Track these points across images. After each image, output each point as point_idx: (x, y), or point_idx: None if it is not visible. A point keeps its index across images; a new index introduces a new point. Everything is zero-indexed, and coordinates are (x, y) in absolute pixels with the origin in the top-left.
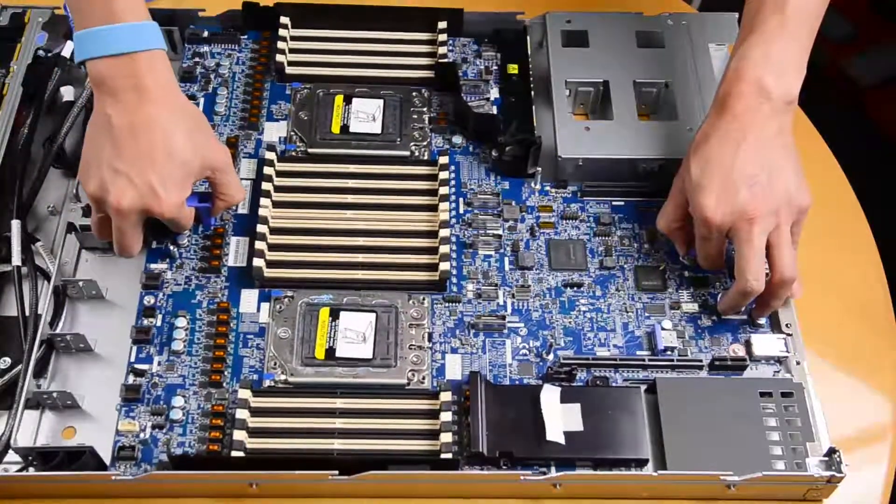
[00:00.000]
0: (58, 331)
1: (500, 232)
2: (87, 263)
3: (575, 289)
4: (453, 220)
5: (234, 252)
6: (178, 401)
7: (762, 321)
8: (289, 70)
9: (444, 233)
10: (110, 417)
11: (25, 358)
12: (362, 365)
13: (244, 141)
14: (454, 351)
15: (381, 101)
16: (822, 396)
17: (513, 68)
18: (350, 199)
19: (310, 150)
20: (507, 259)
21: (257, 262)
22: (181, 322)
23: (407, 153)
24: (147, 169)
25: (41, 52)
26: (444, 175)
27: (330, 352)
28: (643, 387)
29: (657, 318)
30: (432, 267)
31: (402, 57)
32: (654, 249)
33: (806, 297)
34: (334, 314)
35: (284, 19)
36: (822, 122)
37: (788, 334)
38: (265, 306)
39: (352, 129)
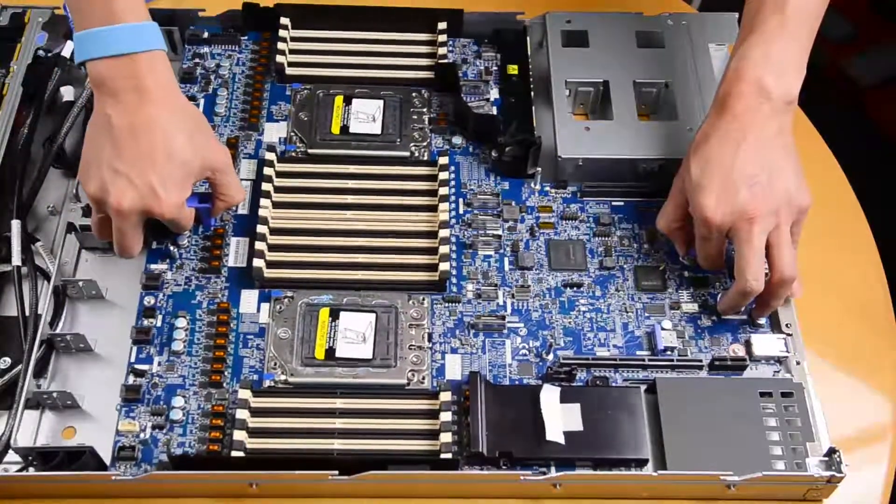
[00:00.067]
0: (58, 331)
1: (499, 232)
2: (87, 263)
3: (575, 289)
4: (453, 221)
5: (234, 252)
6: (178, 401)
7: (762, 321)
8: (289, 71)
9: (443, 233)
10: (110, 417)
11: (25, 358)
12: (362, 365)
13: (244, 142)
14: (454, 351)
15: (380, 102)
16: (822, 396)
17: (513, 69)
18: (350, 199)
19: (310, 151)
20: (506, 259)
21: (257, 262)
22: (181, 322)
23: (407, 154)
24: (147, 169)
25: (41, 52)
26: (443, 175)
27: (330, 352)
28: (643, 387)
29: (657, 318)
30: (432, 267)
31: (401, 58)
32: (653, 249)
33: (806, 297)
34: (334, 314)
35: (284, 20)
36: (822, 122)
37: (788, 334)
38: (265, 307)
39: (352, 130)
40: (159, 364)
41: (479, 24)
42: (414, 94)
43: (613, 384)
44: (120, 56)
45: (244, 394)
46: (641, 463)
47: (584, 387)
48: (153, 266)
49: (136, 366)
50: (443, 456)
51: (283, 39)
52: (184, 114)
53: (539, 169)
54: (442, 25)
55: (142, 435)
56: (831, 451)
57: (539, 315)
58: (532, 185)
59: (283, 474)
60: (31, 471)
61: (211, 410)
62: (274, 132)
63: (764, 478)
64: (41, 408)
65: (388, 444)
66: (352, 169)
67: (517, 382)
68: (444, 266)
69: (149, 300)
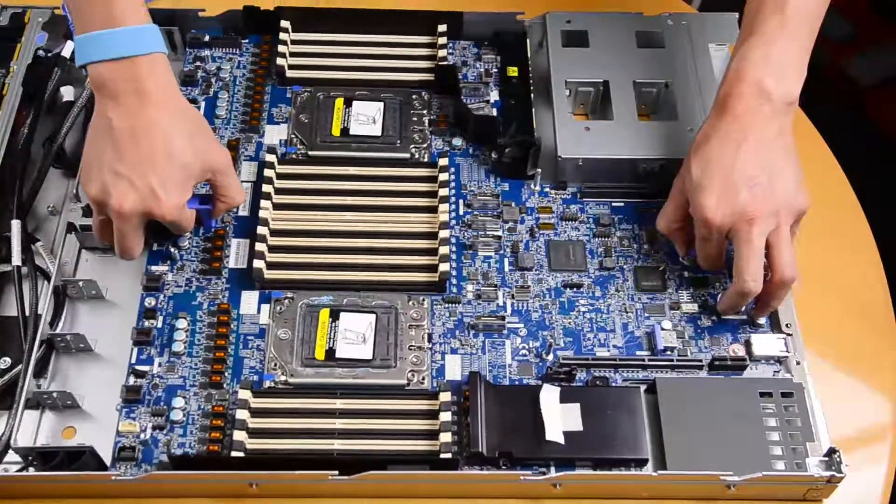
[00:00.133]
0: (58, 331)
1: (499, 233)
2: (87, 263)
3: (574, 289)
4: (453, 222)
5: (235, 254)
6: (178, 402)
7: (762, 321)
8: (289, 73)
9: (443, 234)
10: (110, 417)
11: (25, 358)
12: (362, 366)
13: (245, 144)
14: (454, 351)
15: (381, 104)
16: (822, 396)
17: (512, 71)
18: (350, 200)
19: (310, 153)
20: (506, 260)
21: (258, 263)
22: (182, 323)
23: (407, 155)
24: (148, 172)
25: (41, 52)
26: (443, 177)
27: (330, 353)
28: (643, 387)
29: (657, 318)
30: (432, 268)
31: (402, 60)
32: (653, 250)
33: (806, 297)
34: (334, 315)
35: (285, 23)
36: (822, 122)
37: (788, 334)
38: (265, 308)
39: (352, 132)
40: (160, 365)
41: (479, 26)
42: (414, 97)
43: (613, 384)
44: (120, 59)
45: (244, 394)
46: (641, 463)
47: (584, 387)
48: (154, 267)
49: (137, 367)
50: (442, 456)
51: (284, 42)
52: (184, 116)
53: (539, 170)
54: (442, 28)
55: (142, 435)
56: (831, 451)
57: (539, 315)
58: (532, 186)
59: (283, 474)
60: (31, 471)
61: (211, 411)
62: (274, 134)
63: (764, 478)
64: (41, 408)
65: (387, 445)
66: (352, 171)
67: (517, 383)
68: (443, 267)
69: (149, 301)
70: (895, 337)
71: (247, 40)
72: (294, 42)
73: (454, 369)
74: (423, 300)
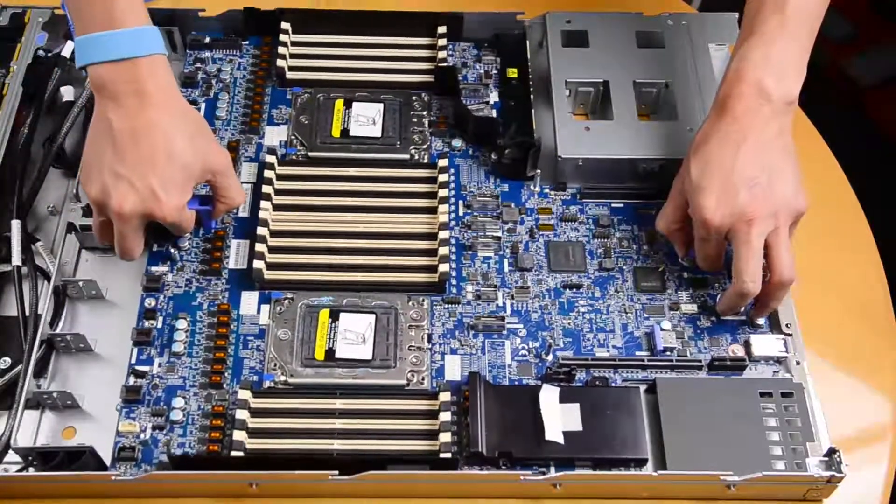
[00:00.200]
0: (58, 331)
1: (499, 234)
2: (87, 263)
3: (574, 290)
4: (453, 223)
5: (235, 255)
6: (178, 402)
7: (761, 321)
8: (289, 75)
9: (443, 235)
10: (110, 417)
11: (25, 358)
12: (362, 366)
13: (245, 145)
14: (453, 352)
15: (381, 105)
16: (822, 396)
17: (512, 72)
18: (350, 201)
19: (310, 154)
20: (506, 261)
21: (257, 264)
22: (182, 324)
23: (407, 156)
24: (148, 173)
25: (41, 52)
26: (443, 178)
27: (329, 353)
28: (643, 387)
29: (656, 318)
30: (432, 269)
31: (402, 61)
32: (653, 251)
33: (806, 297)
34: (334, 315)
35: (285, 25)
36: (822, 122)
37: (788, 334)
38: (265, 308)
39: (352, 133)
40: (160, 365)
41: (479, 28)
42: (414, 98)
43: (613, 384)
44: (121, 60)
45: (244, 394)
46: (640, 463)
47: (584, 387)
48: (154, 268)
49: (137, 367)
50: (442, 456)
51: (284, 44)
52: (184, 117)
53: (538, 171)
54: (442, 30)
55: (142, 436)
56: (831, 451)
57: (538, 316)
58: (531, 187)
59: (283, 474)
60: (31, 471)
61: (211, 411)
62: (275, 136)
63: (764, 478)
64: (41, 408)
65: (387, 445)
66: (352, 171)
67: (517, 383)
68: (443, 267)
69: (149, 302)
70: (895, 337)
71: (247, 42)
72: (294, 44)
73: (454, 370)
74: (423, 301)
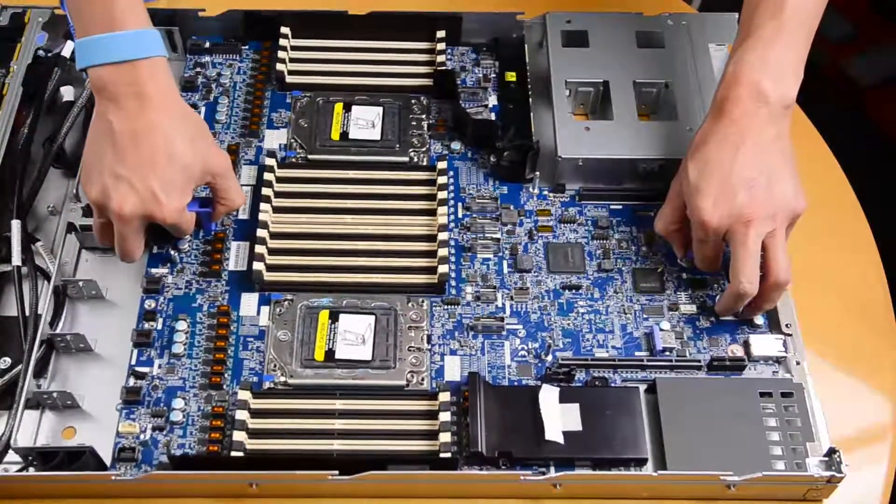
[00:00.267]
0: (58, 331)
1: (498, 235)
2: (87, 263)
3: (573, 291)
4: (452, 224)
5: (235, 256)
6: (178, 403)
7: (760, 321)
8: (289, 79)
9: (442, 236)
10: (110, 417)
11: (25, 358)
12: (361, 367)
13: (245, 148)
14: (453, 353)
15: (380, 109)
16: (822, 396)
17: (511, 76)
18: (349, 204)
19: (310, 157)
20: (505, 262)
21: (257, 265)
22: (182, 325)
23: (406, 159)
24: (149, 175)
25: (41, 52)
26: (442, 180)
27: (329, 354)
28: (642, 387)
29: (655, 319)
30: (431, 270)
31: (401, 65)
32: (651, 252)
33: (806, 297)
34: (334, 316)
35: (285, 29)
36: (822, 122)
37: (788, 334)
38: (265, 309)
39: (351, 136)
40: (160, 367)
41: (479, 31)
42: (413, 101)
43: (612, 384)
44: (121, 63)
45: (244, 395)
46: (640, 462)
47: (583, 387)
48: (154, 270)
49: (137, 368)
50: (442, 456)
51: (284, 48)
52: (184, 119)
53: (537, 173)
54: (441, 34)
55: (142, 436)
56: (831, 451)
57: (538, 317)
58: (530, 189)
59: (283, 474)
60: (31, 471)
61: (211, 412)
62: (274, 139)
63: (764, 478)
64: (41, 408)
65: (387, 445)
66: (351, 174)
67: (516, 383)
68: (443, 269)
69: (149, 303)
70: (895, 337)
71: (247, 46)
72: (294, 48)
73: (453, 370)
74: (423, 302)
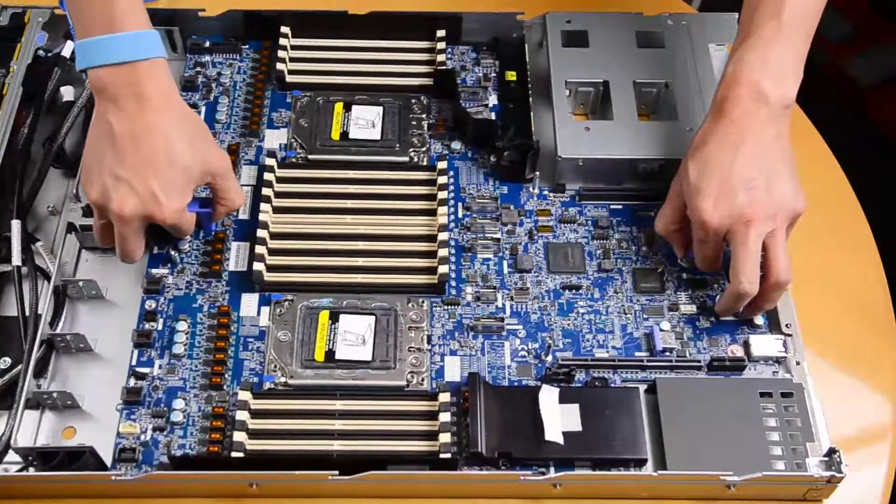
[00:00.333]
0: (58, 331)
1: (498, 236)
2: (87, 263)
3: (573, 291)
4: (452, 224)
5: (235, 257)
6: (178, 403)
7: (760, 321)
8: (289, 79)
9: (442, 236)
10: (110, 417)
11: (25, 358)
12: (362, 367)
13: (245, 148)
14: (453, 353)
15: (380, 108)
16: (822, 396)
17: (511, 75)
18: (349, 204)
19: (310, 157)
20: (505, 262)
21: (258, 266)
22: (182, 326)
23: (406, 159)
24: (149, 175)
25: (41, 52)
26: (442, 180)
27: (329, 354)
28: (642, 387)
29: (655, 319)
30: (431, 270)
31: (401, 65)
32: (652, 252)
33: (806, 297)
34: (334, 317)
35: (285, 29)
36: (822, 122)
37: (788, 334)
38: (265, 310)
39: (351, 136)
40: (160, 367)
41: (479, 31)
42: (413, 101)
43: (612, 385)
44: (121, 64)
45: (244, 396)
46: (640, 463)
47: (583, 387)
48: (154, 270)
49: (138, 369)
50: (442, 456)
51: (284, 48)
52: (184, 120)
53: (537, 173)
54: (441, 33)
55: (142, 437)
56: (831, 452)
57: (538, 317)
58: (530, 189)
59: (283, 474)
60: (31, 471)
61: (211, 412)
62: (274, 139)
63: (764, 478)
64: (41, 408)
65: (387, 446)
66: (351, 174)
67: (516, 384)
68: (443, 269)
69: (150, 304)
70: (895, 337)
71: (247, 46)
72: (294, 47)
73: (453, 370)
74: (423, 302)
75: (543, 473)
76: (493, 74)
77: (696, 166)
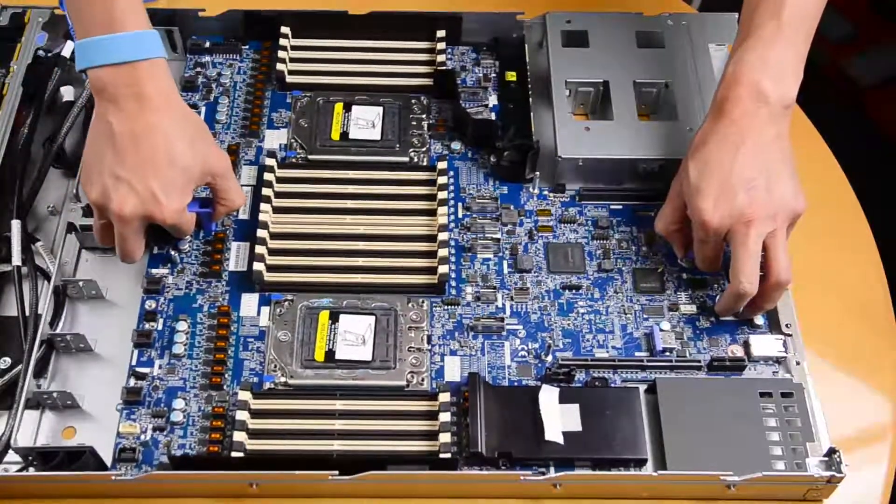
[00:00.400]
0: (58, 331)
1: (498, 236)
2: (87, 263)
3: (573, 291)
4: (452, 225)
5: (235, 257)
6: (178, 403)
7: (760, 321)
8: (289, 79)
9: (442, 236)
10: (110, 417)
11: (25, 358)
12: (362, 367)
13: (245, 148)
14: (453, 353)
15: (380, 109)
16: (822, 396)
17: (511, 76)
18: (350, 204)
19: (310, 157)
20: (505, 262)
21: (258, 266)
22: (182, 326)
23: (406, 159)
24: (149, 175)
25: (41, 52)
26: (442, 180)
27: (329, 354)
28: (642, 387)
29: (655, 319)
30: (431, 270)
31: (401, 65)
32: (652, 252)
33: (806, 297)
34: (334, 317)
35: (285, 29)
36: (822, 122)
37: (788, 334)
38: (265, 310)
39: (351, 136)
40: (160, 367)
41: (479, 31)
42: (413, 101)
43: (612, 385)
44: (121, 64)
45: (244, 395)
46: (640, 463)
47: (583, 387)
48: (154, 270)
49: (138, 369)
50: (442, 456)
51: (284, 48)
52: (184, 120)
53: (537, 173)
54: (441, 33)
55: (142, 437)
56: (831, 452)
57: (538, 317)
58: (530, 189)
59: (283, 474)
60: (31, 471)
61: (211, 412)
62: (274, 139)
63: (764, 478)
64: (41, 408)
65: (387, 445)
66: (351, 174)
67: (516, 384)
68: (443, 269)
69: (150, 304)
70: (895, 337)
71: (247, 46)
72: (294, 48)
73: (453, 370)
74: (423, 302)
75: (543, 473)
76: (493, 74)
77: (697, 166)
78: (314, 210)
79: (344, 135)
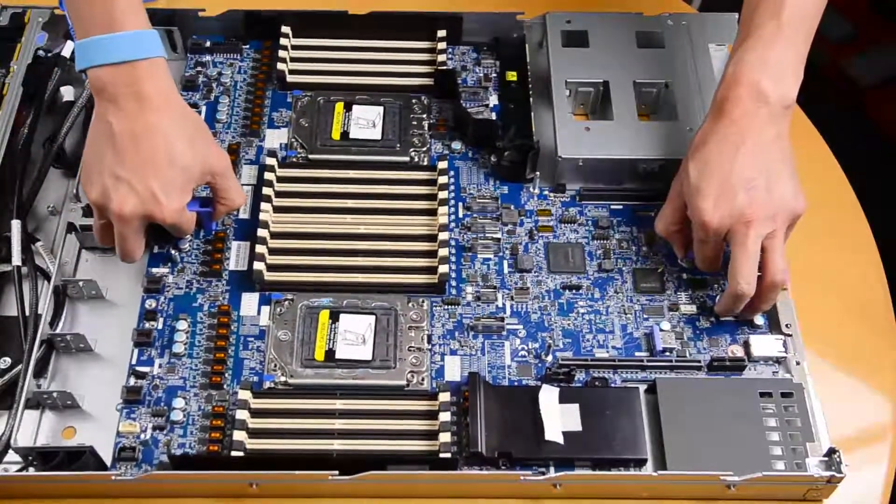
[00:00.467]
0: (58, 331)
1: (498, 235)
2: (87, 263)
3: (573, 291)
4: (452, 224)
5: (235, 256)
6: (178, 402)
7: (760, 322)
8: (290, 78)
9: (443, 236)
10: (110, 417)
11: (25, 358)
12: (362, 366)
13: (245, 147)
14: (453, 353)
15: (380, 108)
16: (822, 396)
17: (511, 76)
18: (350, 203)
19: (310, 157)
20: (505, 262)
21: (258, 265)
22: (182, 325)
23: (406, 159)
24: (148, 175)
25: (41, 52)
26: (443, 180)
27: (329, 353)
28: (642, 387)
29: (655, 319)
30: (431, 270)
31: (402, 65)
32: (652, 252)
33: (806, 297)
34: (334, 316)
35: (286, 28)
36: (822, 122)
37: (788, 335)
38: (265, 309)
39: (352, 136)
40: (160, 366)
41: (479, 31)
42: (414, 101)
43: (612, 385)
44: (120, 63)
45: (244, 395)
46: (639, 463)
47: (583, 387)
48: (155, 269)
49: (138, 368)
50: (442, 456)
51: (285, 47)
52: (184, 120)
53: (538, 173)
54: (441, 33)
55: (142, 436)
56: (831, 452)
57: (538, 317)
58: (531, 189)
59: (283, 474)
60: (31, 471)
61: (211, 411)
62: (275, 138)
63: (764, 478)
64: (41, 408)
65: (387, 445)
66: (352, 174)
67: (516, 384)
68: (443, 269)
69: (150, 303)
70: (895, 337)
71: (248, 46)
72: (294, 47)
73: (453, 370)
74: (423, 302)
75: (543, 473)
76: (494, 74)
77: (697, 166)
78: (315, 209)
79: (344, 134)
